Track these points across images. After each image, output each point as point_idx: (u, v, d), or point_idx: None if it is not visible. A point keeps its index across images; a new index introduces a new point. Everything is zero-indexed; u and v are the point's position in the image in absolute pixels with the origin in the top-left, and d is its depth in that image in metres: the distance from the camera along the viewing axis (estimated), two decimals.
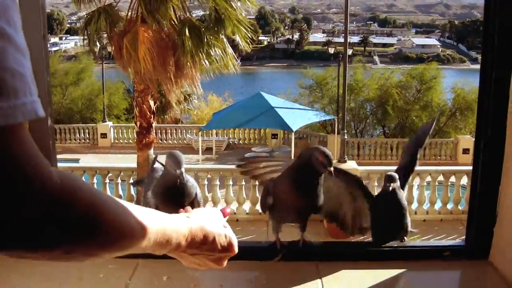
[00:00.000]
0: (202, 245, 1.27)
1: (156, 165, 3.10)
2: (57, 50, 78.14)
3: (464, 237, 2.65)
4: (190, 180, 2.63)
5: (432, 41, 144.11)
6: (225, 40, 16.41)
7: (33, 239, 0.80)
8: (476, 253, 2.58)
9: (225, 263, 1.39)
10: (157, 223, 1.12)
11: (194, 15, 17.68)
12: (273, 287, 2.36)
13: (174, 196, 2.58)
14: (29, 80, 0.77)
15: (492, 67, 2.39)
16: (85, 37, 16.60)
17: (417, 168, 12.21)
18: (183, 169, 2.44)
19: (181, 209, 1.45)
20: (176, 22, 16.00)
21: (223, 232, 1.34)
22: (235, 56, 17.12)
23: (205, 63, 15.90)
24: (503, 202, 2.47)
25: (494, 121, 2.42)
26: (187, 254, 1.27)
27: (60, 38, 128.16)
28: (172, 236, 1.16)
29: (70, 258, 0.91)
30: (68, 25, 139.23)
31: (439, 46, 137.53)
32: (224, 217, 1.46)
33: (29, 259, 0.85)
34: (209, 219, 1.33)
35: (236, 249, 1.39)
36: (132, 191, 14.30)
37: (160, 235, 1.11)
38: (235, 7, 15.93)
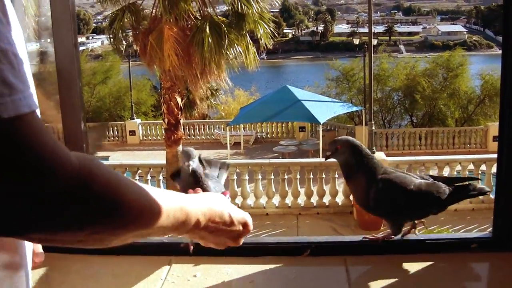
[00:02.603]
0: (220, 221, 1.28)
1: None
2: (84, 49, 78.69)
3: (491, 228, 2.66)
4: (208, 183, 2.65)
5: (458, 27, 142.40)
6: (247, 36, 16.39)
7: (59, 219, 0.83)
8: (503, 245, 2.57)
9: (241, 241, 1.39)
10: (175, 200, 1.15)
11: (218, 10, 17.67)
12: (302, 282, 2.39)
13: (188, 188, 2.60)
14: None
15: None
16: (111, 35, 16.69)
17: (447, 157, 12.14)
18: (191, 162, 2.47)
19: (191, 190, 1.48)
20: (198, 18, 16.04)
21: (237, 209, 1.37)
22: (258, 52, 17.10)
23: (228, 59, 15.93)
24: None
25: None
26: (207, 232, 1.27)
27: (87, 38, 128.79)
28: (191, 212, 1.17)
29: (98, 240, 0.93)
30: (94, 25, 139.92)
31: (465, 32, 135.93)
32: None
33: (66, 252, 0.87)
34: (219, 199, 1.35)
35: (251, 226, 1.40)
36: (162, 187, 14.33)
37: (179, 211, 1.13)
38: (255, 2, 15.89)
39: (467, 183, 2.69)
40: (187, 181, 2.49)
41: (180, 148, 16.81)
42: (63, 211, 0.82)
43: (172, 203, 1.12)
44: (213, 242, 1.34)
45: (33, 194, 0.79)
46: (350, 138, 2.68)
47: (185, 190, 2.49)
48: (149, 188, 1.06)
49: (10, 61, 0.80)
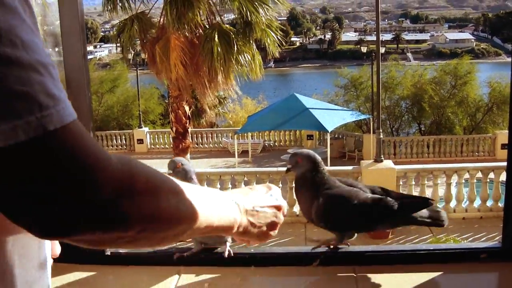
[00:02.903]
0: (264, 206, 1.35)
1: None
2: (91, 58, 78.94)
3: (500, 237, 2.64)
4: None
5: (466, 35, 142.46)
6: (254, 45, 16.42)
7: (108, 219, 0.87)
8: None
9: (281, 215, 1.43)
10: (220, 197, 1.21)
11: (225, 18, 17.70)
12: None
13: None
14: (38, 96, 0.80)
15: None
16: (119, 44, 16.74)
17: (455, 165, 12.10)
18: (171, 171, 2.68)
19: None
20: (207, 27, 16.09)
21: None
22: (265, 61, 17.12)
23: (236, 67, 15.97)
24: None
25: None
26: (250, 226, 1.30)
27: (95, 47, 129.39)
28: (234, 215, 1.22)
29: (143, 240, 0.97)
30: (102, 33, 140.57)
31: (473, 40, 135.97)
32: None
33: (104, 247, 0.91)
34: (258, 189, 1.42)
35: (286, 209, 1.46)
36: None
37: (225, 207, 1.20)
38: (262, 12, 15.92)
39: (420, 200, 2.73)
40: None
41: (188, 156, 16.85)
42: (110, 212, 0.86)
43: (219, 201, 1.20)
44: (257, 237, 1.37)
45: (81, 199, 0.82)
46: (311, 152, 2.76)
47: None
48: (194, 187, 1.12)
49: (50, 73, 0.83)
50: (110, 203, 0.85)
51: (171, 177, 1.06)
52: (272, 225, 1.38)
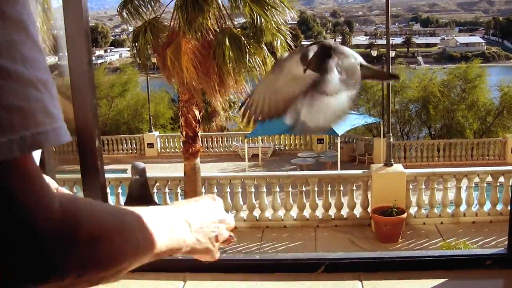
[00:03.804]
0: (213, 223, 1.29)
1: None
2: (102, 62, 79.38)
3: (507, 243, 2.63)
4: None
5: (476, 39, 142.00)
6: (265, 49, 16.44)
7: (43, 268, 0.80)
8: None
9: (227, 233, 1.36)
10: (171, 217, 1.16)
11: (236, 22, 17.72)
12: None
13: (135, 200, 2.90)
14: (35, 112, 0.78)
15: None
16: (135, 51, 16.77)
17: (465, 169, 12.10)
18: (137, 176, 2.80)
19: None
20: (218, 31, 16.11)
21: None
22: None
23: (247, 71, 15.99)
24: None
25: None
26: (197, 244, 1.23)
27: (105, 51, 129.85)
28: (183, 236, 1.17)
29: (83, 282, 0.89)
30: (112, 38, 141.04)
31: (483, 44, 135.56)
32: None
33: None
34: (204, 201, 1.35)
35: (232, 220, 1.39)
36: (180, 199, 14.36)
37: (177, 229, 1.15)
38: (272, 16, 15.93)
39: None
40: (135, 193, 2.71)
41: (198, 160, 16.86)
42: (44, 263, 0.80)
43: (169, 223, 1.13)
44: (210, 251, 1.30)
45: (16, 248, 0.77)
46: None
47: (132, 203, 2.62)
48: (144, 212, 1.06)
49: (49, 91, 0.82)
50: (44, 249, 0.79)
51: (121, 209, 1.01)
52: (216, 240, 1.32)
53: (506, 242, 2.60)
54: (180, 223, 1.18)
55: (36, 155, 0.89)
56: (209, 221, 1.29)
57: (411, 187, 14.36)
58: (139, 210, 1.05)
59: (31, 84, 0.79)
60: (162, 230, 1.09)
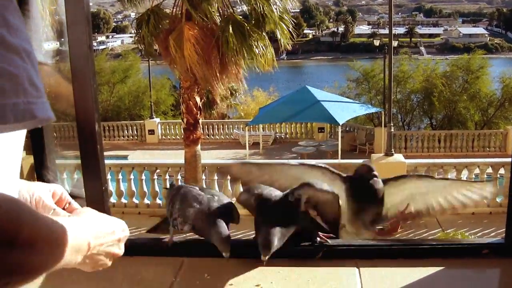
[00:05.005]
0: (106, 233, 1.25)
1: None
2: (104, 48, 79.15)
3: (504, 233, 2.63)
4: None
5: (480, 30, 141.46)
6: (266, 37, 16.42)
7: None
8: None
9: (122, 246, 1.34)
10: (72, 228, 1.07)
11: (238, 10, 17.69)
12: (313, 285, 2.39)
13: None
14: (23, 80, 0.76)
15: None
16: (140, 38, 16.75)
17: (465, 160, 12.06)
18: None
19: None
20: (221, 19, 16.09)
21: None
22: (277, 53, 17.11)
23: (249, 59, 15.97)
24: None
25: None
26: (95, 252, 1.19)
27: (107, 37, 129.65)
28: (85, 238, 1.13)
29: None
30: (114, 24, 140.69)
31: (487, 35, 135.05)
32: None
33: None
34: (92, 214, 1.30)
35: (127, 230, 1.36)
36: None
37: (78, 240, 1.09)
38: (274, 3, 15.91)
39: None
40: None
41: (198, 147, 16.87)
42: None
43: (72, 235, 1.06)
44: (101, 261, 1.27)
45: None
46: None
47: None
48: (67, 227, 1.01)
49: (32, 62, 0.80)
50: None
51: (53, 220, 0.96)
52: (110, 257, 1.30)
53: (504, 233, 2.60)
54: (83, 247, 1.12)
55: (21, 137, 0.87)
56: (108, 240, 1.25)
57: None
58: (64, 223, 1.01)
59: (16, 52, 0.78)
60: (71, 250, 1.04)
